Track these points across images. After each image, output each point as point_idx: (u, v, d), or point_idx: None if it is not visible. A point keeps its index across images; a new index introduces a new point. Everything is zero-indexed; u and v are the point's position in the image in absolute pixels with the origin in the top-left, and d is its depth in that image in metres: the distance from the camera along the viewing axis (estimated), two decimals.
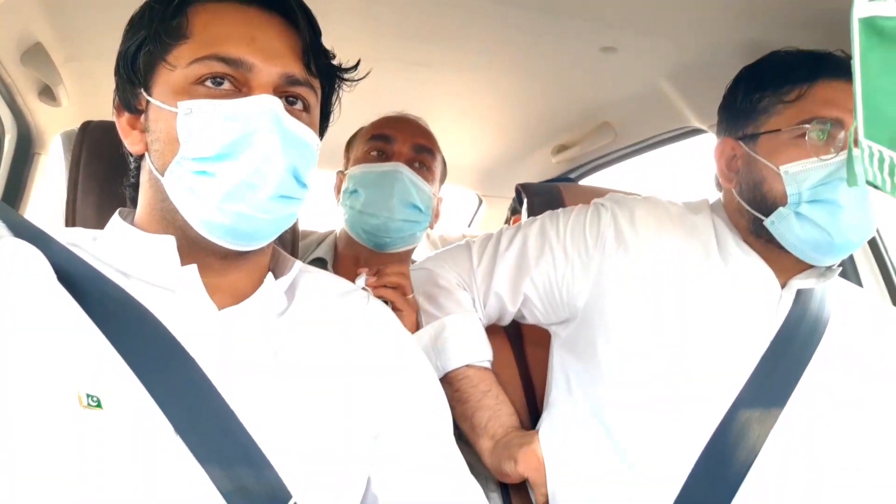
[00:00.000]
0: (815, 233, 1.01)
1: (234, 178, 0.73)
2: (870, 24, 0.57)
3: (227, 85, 0.76)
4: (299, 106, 0.81)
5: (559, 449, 1.07)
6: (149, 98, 0.78)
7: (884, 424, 1.03)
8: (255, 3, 0.79)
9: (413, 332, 1.17)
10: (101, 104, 1.77)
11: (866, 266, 1.71)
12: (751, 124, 1.09)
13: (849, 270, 1.68)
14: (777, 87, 1.06)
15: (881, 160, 0.59)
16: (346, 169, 1.56)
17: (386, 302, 1.24)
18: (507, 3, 1.31)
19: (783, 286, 1.08)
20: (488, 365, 1.21)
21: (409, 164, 1.47)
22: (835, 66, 1.03)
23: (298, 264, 0.89)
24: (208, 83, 0.75)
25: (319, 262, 1.55)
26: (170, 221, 0.78)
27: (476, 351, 1.20)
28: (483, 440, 1.14)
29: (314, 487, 0.75)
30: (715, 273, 1.08)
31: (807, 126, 1.01)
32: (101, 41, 1.40)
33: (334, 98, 0.90)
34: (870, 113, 0.58)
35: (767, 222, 1.05)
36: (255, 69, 0.76)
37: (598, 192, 1.54)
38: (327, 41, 0.86)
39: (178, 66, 0.76)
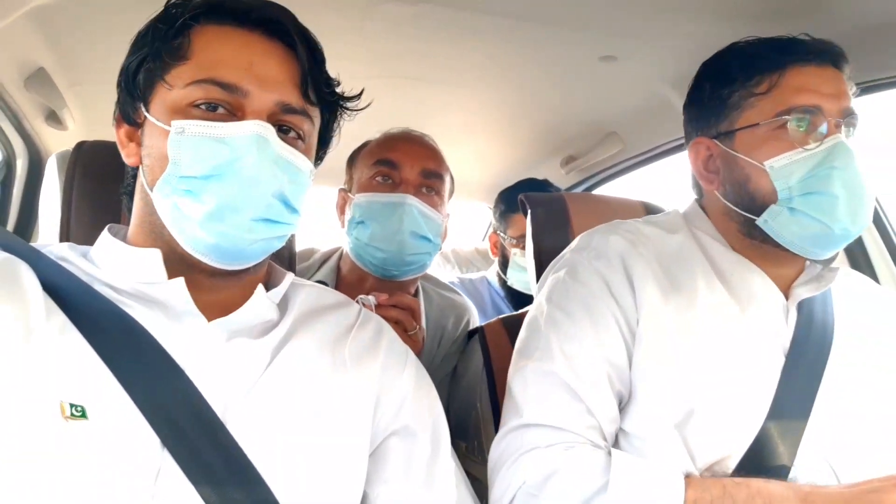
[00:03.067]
0: (812, 226, 0.96)
1: (218, 199, 0.73)
2: None
3: (221, 110, 0.76)
4: (293, 135, 0.81)
5: None
6: (146, 114, 0.78)
7: None
8: (257, 30, 0.79)
9: None
10: (106, 126, 1.80)
11: (883, 267, 1.67)
12: (724, 121, 1.04)
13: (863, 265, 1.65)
14: (745, 79, 1.01)
15: None
16: (348, 188, 1.51)
17: None
18: (501, 14, 1.30)
19: (787, 296, 1.03)
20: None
21: (417, 190, 1.41)
22: (803, 51, 0.98)
23: (290, 277, 0.88)
24: (203, 107, 0.76)
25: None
26: (158, 235, 0.79)
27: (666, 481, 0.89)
28: None
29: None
30: (718, 296, 1.02)
31: (786, 117, 0.97)
32: (103, 65, 1.40)
33: (335, 125, 0.90)
34: None
35: (760, 221, 1.00)
36: (251, 95, 0.76)
37: (603, 202, 1.52)
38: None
39: (176, 87, 0.76)
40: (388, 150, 1.44)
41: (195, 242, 0.75)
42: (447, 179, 1.50)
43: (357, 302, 1.03)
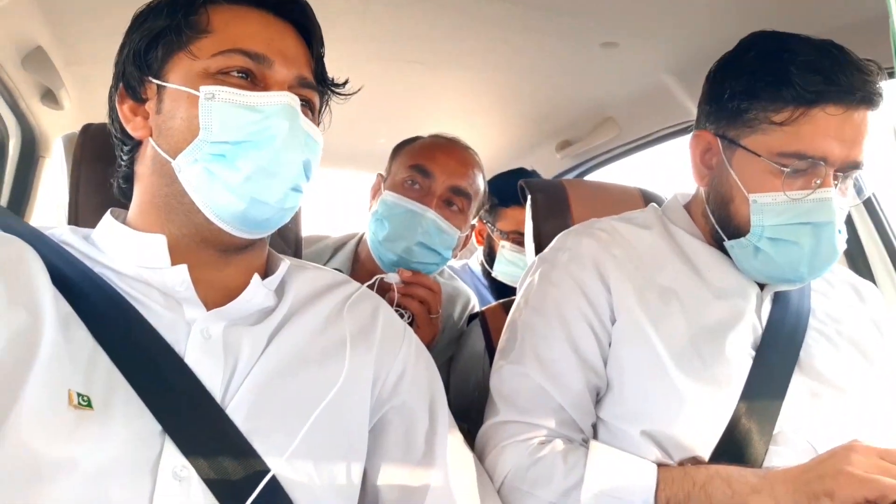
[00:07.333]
0: (769, 267, 0.99)
1: (255, 164, 0.76)
2: None
3: (246, 78, 0.80)
4: (306, 106, 0.85)
5: None
6: (163, 84, 0.79)
7: (879, 397, 1.01)
8: (272, 10, 0.83)
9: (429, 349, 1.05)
10: (102, 106, 1.77)
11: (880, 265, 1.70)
12: (732, 129, 1.01)
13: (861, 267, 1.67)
14: (768, 101, 0.96)
15: None
16: (385, 177, 1.53)
17: (402, 315, 1.21)
18: (505, 0, 1.30)
19: (762, 288, 1.06)
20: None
21: (442, 203, 1.42)
22: (844, 87, 0.92)
23: (287, 262, 0.89)
24: (232, 73, 0.79)
25: None
26: (173, 208, 0.79)
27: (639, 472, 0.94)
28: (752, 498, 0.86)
29: (310, 484, 0.75)
30: (692, 289, 1.04)
31: (786, 168, 0.94)
32: (101, 45, 1.39)
33: (323, 110, 0.93)
34: None
35: (726, 244, 1.03)
36: (275, 67, 0.80)
37: (602, 188, 1.54)
38: (326, 41, 0.89)
39: (201, 57, 0.79)
40: (426, 157, 1.46)
41: (222, 209, 0.77)
42: (477, 197, 1.50)
43: (376, 281, 1.04)
